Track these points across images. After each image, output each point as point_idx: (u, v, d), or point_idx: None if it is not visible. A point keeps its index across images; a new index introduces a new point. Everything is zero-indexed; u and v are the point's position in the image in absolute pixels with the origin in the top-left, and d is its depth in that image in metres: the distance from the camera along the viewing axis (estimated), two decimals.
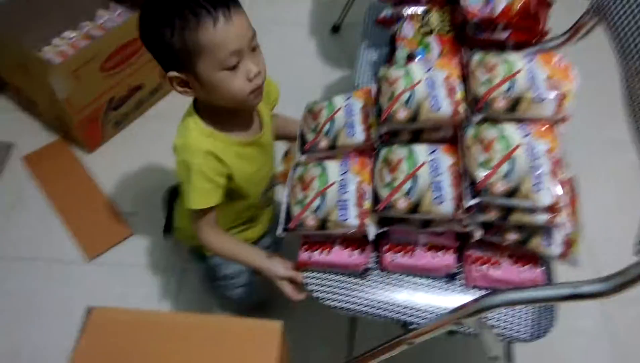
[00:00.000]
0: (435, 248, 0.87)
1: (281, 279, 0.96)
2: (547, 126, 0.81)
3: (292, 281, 0.95)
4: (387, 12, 1.16)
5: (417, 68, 0.91)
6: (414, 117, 0.86)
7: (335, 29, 2.09)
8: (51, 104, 1.58)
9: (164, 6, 0.82)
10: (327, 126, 0.96)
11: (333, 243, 0.88)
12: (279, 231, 0.89)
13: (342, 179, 0.88)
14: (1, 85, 1.84)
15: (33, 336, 1.32)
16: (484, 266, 0.84)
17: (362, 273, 0.88)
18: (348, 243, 0.88)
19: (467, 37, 1.01)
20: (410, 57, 1.02)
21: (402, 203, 0.81)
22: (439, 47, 1.02)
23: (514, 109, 0.81)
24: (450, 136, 0.87)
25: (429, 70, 0.90)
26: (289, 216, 0.88)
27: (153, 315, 0.99)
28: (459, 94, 0.86)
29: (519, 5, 0.95)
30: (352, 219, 0.84)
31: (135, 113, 1.78)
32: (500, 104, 0.81)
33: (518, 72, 0.83)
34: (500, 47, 0.98)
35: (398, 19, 1.09)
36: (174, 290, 1.39)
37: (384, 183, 0.84)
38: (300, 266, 0.90)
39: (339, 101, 0.99)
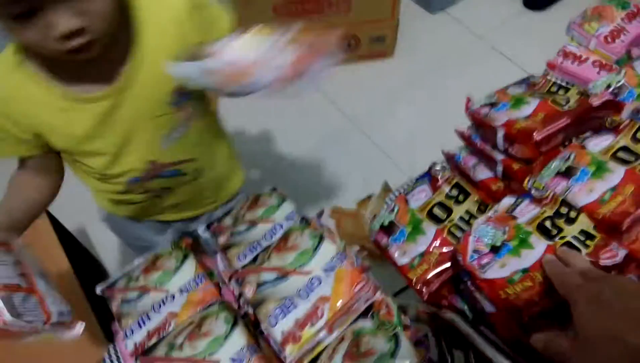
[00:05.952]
0: None
1: None
2: None
3: None
4: (461, 151, 0.81)
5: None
6: None
7: None
8: None
9: None
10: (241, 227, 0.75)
11: None
12: None
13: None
14: None
15: None
16: None
17: None
18: None
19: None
20: (384, 229, 0.72)
21: None
22: (427, 246, 0.68)
23: None
24: None
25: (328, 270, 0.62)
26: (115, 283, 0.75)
27: None
28: None
29: None
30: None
31: None
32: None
33: None
34: None
35: (426, 173, 0.76)
36: None
37: None
38: None
39: (287, 208, 0.75)
